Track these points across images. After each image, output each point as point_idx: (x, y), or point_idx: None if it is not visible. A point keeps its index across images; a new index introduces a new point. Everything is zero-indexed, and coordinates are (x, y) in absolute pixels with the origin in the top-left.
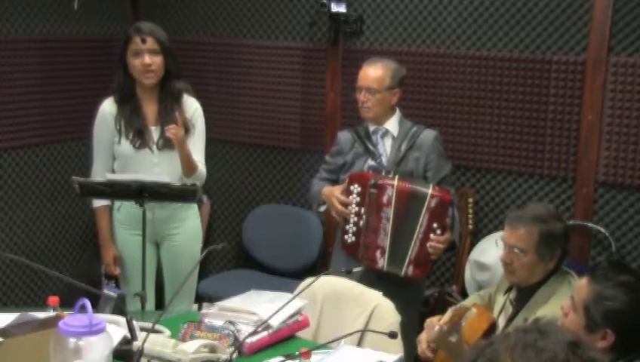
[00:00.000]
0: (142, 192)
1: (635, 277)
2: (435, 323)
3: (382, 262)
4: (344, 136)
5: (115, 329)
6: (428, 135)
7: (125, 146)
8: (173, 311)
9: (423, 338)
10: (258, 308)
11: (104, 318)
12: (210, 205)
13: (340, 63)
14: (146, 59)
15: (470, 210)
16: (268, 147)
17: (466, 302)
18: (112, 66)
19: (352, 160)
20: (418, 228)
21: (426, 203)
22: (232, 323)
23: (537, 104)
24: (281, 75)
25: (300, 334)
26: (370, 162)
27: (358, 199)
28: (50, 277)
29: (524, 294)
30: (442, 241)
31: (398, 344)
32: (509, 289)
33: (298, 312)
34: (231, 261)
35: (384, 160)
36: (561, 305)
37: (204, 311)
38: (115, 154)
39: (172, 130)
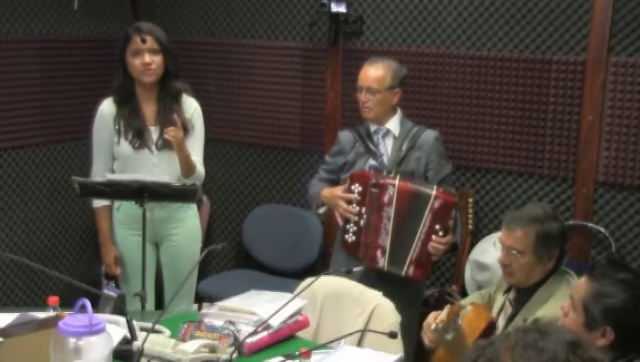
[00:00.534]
0: (142, 192)
1: (634, 274)
2: (431, 322)
3: (382, 262)
4: (345, 136)
5: (115, 329)
6: (429, 135)
7: (124, 147)
8: (173, 311)
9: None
10: (258, 308)
11: (104, 318)
12: (210, 205)
13: (340, 63)
14: (146, 58)
15: (470, 210)
16: (268, 147)
17: (466, 302)
18: (112, 66)
19: (353, 159)
20: (420, 228)
21: (430, 204)
22: (232, 323)
23: (537, 104)
24: (281, 75)
25: (300, 334)
26: (372, 162)
27: (358, 198)
28: (50, 277)
29: (523, 294)
30: (443, 243)
31: (398, 344)
32: (508, 289)
33: (298, 312)
34: (231, 261)
35: (385, 160)
36: (561, 305)
37: (204, 311)
38: (115, 154)
39: (171, 133)
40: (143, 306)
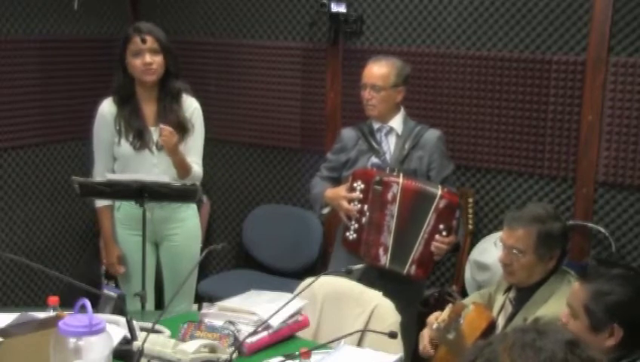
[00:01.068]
0: (142, 192)
1: (626, 268)
2: (433, 321)
3: (384, 260)
4: (348, 133)
5: (115, 329)
6: (432, 134)
7: (125, 147)
8: (173, 311)
9: (425, 335)
10: (258, 308)
11: (104, 318)
12: (210, 205)
13: (340, 63)
14: (147, 58)
15: (470, 210)
16: (268, 147)
17: (466, 301)
18: (112, 66)
19: (356, 157)
20: (424, 228)
21: (435, 203)
22: (232, 323)
23: (537, 104)
24: (281, 75)
25: (300, 334)
26: (374, 159)
27: (361, 196)
28: (50, 277)
29: (523, 294)
30: (447, 243)
31: (398, 344)
32: (508, 289)
33: (298, 312)
34: (231, 261)
35: (388, 157)
36: (561, 306)
37: (204, 311)
38: (115, 154)
39: (164, 137)
40: (143, 306)
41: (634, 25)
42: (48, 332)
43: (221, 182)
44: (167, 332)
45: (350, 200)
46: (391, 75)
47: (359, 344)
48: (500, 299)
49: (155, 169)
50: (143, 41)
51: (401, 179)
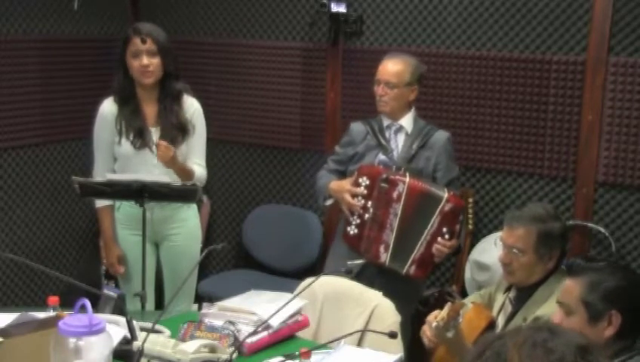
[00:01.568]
0: (142, 192)
1: (609, 261)
2: (432, 320)
3: (385, 258)
4: (357, 127)
5: (115, 329)
6: (440, 136)
7: (126, 147)
8: (173, 311)
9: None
10: (258, 308)
11: (104, 318)
12: (210, 205)
13: (340, 63)
14: (144, 61)
15: (470, 210)
16: (268, 147)
17: (466, 301)
18: (112, 66)
19: (363, 152)
20: (427, 229)
21: (441, 206)
22: (232, 323)
23: (537, 104)
24: (281, 75)
25: (300, 334)
26: (382, 156)
27: (365, 192)
28: (50, 277)
29: (523, 293)
30: (448, 246)
31: (398, 344)
32: (508, 289)
33: (298, 312)
34: (231, 261)
35: (395, 155)
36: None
37: (204, 311)
38: (116, 154)
39: (160, 151)
40: (143, 306)
41: (634, 25)
42: (48, 332)
43: (221, 182)
44: (167, 332)
45: (354, 195)
46: (406, 72)
47: (359, 344)
48: (499, 298)
49: (156, 169)
50: (142, 41)
51: (407, 179)
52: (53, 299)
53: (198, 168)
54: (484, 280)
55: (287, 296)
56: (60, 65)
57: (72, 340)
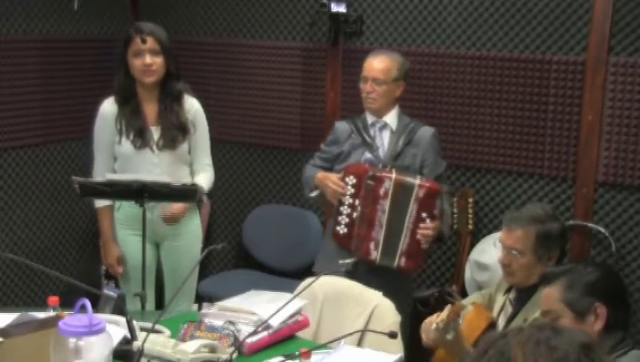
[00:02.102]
0: (142, 192)
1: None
2: (432, 322)
3: (375, 255)
4: (341, 126)
5: (115, 329)
6: (426, 132)
7: (126, 146)
8: (174, 311)
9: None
10: (258, 308)
11: (104, 318)
12: (210, 205)
13: (340, 63)
14: (147, 60)
15: (470, 210)
16: (268, 147)
17: (466, 302)
18: (112, 66)
19: (349, 150)
20: (407, 218)
21: (414, 193)
22: (232, 323)
23: (537, 104)
24: (281, 75)
25: (300, 334)
26: (368, 155)
27: (352, 191)
28: (50, 277)
29: (523, 294)
30: (431, 228)
31: (398, 344)
32: (508, 290)
33: (298, 312)
34: (231, 261)
35: (381, 153)
36: None
37: (204, 311)
38: (116, 154)
39: (168, 217)
40: (143, 306)
41: (634, 25)
42: (48, 332)
43: (221, 182)
44: (167, 332)
45: (337, 184)
46: (393, 68)
47: (359, 344)
48: (500, 299)
49: (156, 168)
50: (144, 41)
51: (393, 175)
52: (53, 299)
53: (204, 176)
54: (484, 280)
55: (287, 296)
56: (60, 65)
57: (72, 340)
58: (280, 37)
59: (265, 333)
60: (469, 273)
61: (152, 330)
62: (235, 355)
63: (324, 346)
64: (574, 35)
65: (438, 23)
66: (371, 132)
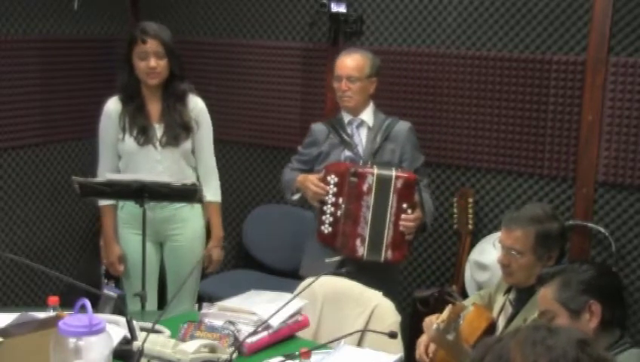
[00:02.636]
0: (142, 192)
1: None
2: (432, 322)
3: (362, 251)
4: (318, 128)
5: (115, 329)
6: (402, 126)
7: (129, 143)
8: (176, 311)
9: (423, 341)
10: (258, 308)
11: (104, 318)
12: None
13: None
14: (152, 62)
15: (470, 210)
16: (268, 147)
17: (466, 302)
18: (113, 66)
19: (328, 150)
20: (389, 211)
21: (392, 185)
22: (232, 323)
23: (537, 104)
24: (281, 75)
25: (300, 334)
26: (347, 153)
27: (335, 190)
28: (50, 277)
29: (523, 294)
30: (412, 219)
31: (398, 344)
32: (508, 290)
33: (298, 312)
34: (231, 261)
35: (360, 150)
36: None
37: (204, 311)
38: (120, 151)
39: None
40: (143, 306)
41: (634, 25)
42: (48, 332)
43: (221, 182)
44: (167, 332)
45: (318, 185)
46: (365, 66)
47: (359, 344)
48: (500, 299)
49: (159, 166)
50: (147, 42)
51: (375, 170)
52: (53, 299)
53: (214, 188)
54: (484, 280)
55: (287, 296)
56: (60, 65)
57: (72, 340)
58: (280, 37)
59: (265, 333)
60: (468, 273)
61: (152, 330)
62: (235, 355)
63: (324, 346)
64: (574, 35)
65: (438, 23)
66: (349, 130)
